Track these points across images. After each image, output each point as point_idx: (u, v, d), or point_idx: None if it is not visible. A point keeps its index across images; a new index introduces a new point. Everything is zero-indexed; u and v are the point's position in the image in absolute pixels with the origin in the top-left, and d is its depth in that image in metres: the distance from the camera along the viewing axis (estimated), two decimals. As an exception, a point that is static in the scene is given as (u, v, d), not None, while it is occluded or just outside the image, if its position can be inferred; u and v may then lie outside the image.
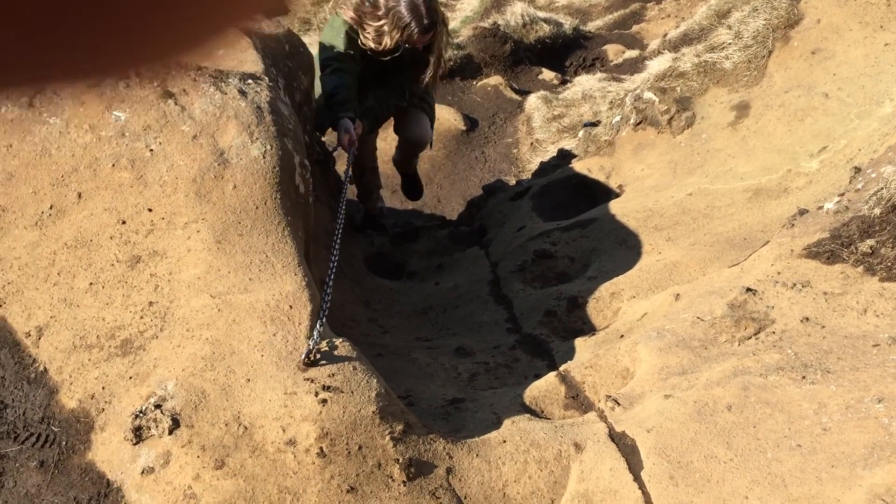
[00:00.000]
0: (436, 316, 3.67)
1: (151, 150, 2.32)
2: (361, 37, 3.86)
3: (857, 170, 2.95)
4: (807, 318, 2.22)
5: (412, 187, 5.30)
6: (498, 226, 4.54)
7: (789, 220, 2.91)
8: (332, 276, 2.31)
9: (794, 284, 2.41)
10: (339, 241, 2.51)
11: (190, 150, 2.34)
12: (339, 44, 3.87)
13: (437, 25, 3.85)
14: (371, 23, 3.82)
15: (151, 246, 2.20)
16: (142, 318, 2.09)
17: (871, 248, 2.45)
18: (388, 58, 3.93)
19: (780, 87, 3.89)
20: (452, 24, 11.39)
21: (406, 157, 5.02)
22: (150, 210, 2.24)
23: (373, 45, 3.87)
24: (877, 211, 2.54)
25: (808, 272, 2.47)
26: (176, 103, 2.41)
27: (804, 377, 1.93)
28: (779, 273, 2.51)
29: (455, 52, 8.69)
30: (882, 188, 2.64)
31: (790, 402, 1.86)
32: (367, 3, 3.85)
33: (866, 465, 1.63)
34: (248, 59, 2.90)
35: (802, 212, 2.96)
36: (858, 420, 1.73)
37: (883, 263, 2.37)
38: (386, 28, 3.81)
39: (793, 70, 3.90)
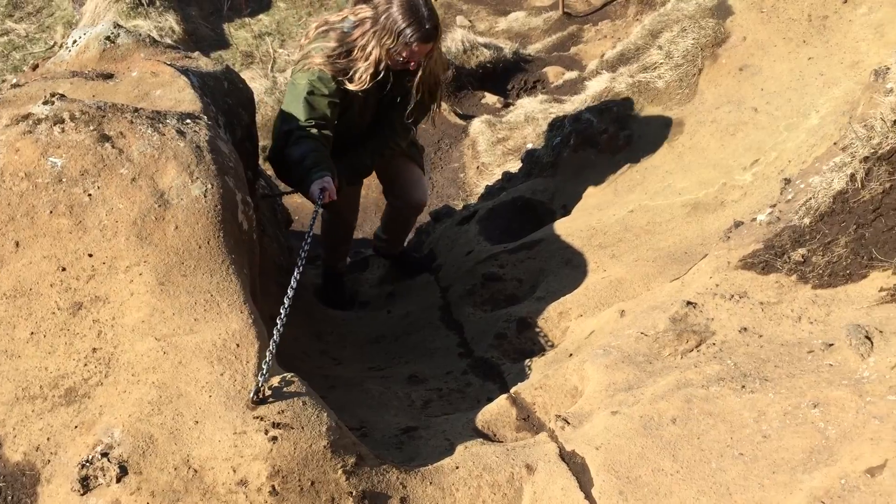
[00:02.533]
0: (388, 344, 3.68)
1: (90, 194, 2.30)
2: (337, 78, 3.26)
3: (788, 181, 3.05)
4: (745, 329, 2.28)
5: (410, 263, 4.49)
6: (447, 251, 4.57)
7: (725, 233, 2.99)
8: (286, 314, 2.29)
9: (732, 296, 2.48)
10: (296, 283, 2.47)
11: (129, 193, 2.33)
12: (301, 111, 3.27)
13: (439, 32, 3.23)
14: (352, 51, 3.24)
15: (93, 291, 2.18)
16: (86, 365, 2.06)
17: (802, 256, 2.53)
18: (369, 87, 3.30)
19: (712, 104, 4.01)
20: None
21: (401, 228, 4.24)
22: (90, 255, 2.22)
23: (359, 76, 3.24)
24: (806, 220, 2.63)
25: (744, 283, 2.55)
26: (113, 146, 2.40)
27: (744, 386, 1.99)
28: (717, 285, 2.58)
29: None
30: (811, 198, 2.74)
31: (731, 412, 1.91)
32: (342, 31, 3.27)
33: (805, 470, 1.68)
34: (185, 98, 2.90)
35: (738, 224, 3.05)
36: (796, 426, 1.79)
37: (815, 271, 2.45)
38: (373, 40, 3.19)
39: (722, 87, 4.03)
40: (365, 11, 3.22)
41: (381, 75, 3.29)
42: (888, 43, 3.61)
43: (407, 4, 3.14)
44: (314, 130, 3.24)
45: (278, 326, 2.15)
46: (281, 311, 2.27)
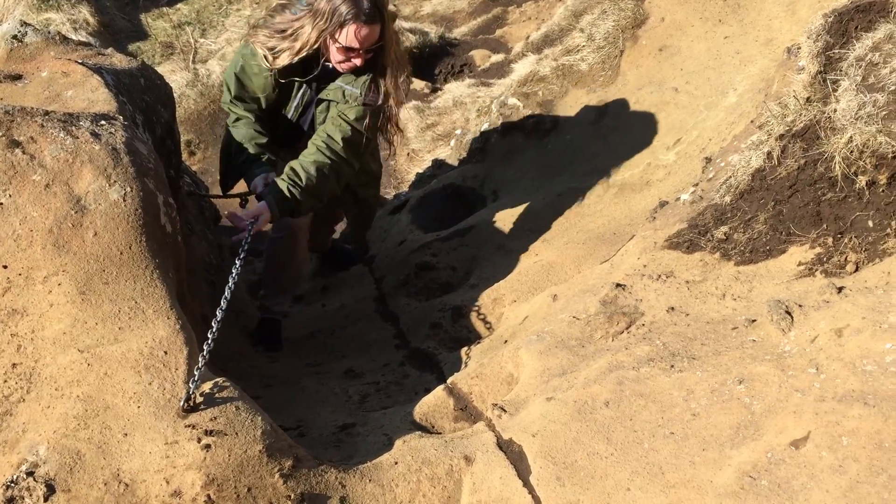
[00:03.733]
0: (324, 339, 3.65)
1: (1, 203, 2.21)
2: (271, 59, 3.02)
3: (709, 160, 3.12)
4: (672, 308, 2.33)
5: (340, 256, 4.34)
6: (380, 241, 4.55)
7: (651, 213, 3.05)
8: (217, 328, 2.22)
9: (660, 276, 2.53)
10: (229, 295, 2.39)
11: (43, 200, 2.24)
12: (232, 85, 3.15)
13: (384, 16, 2.87)
14: (284, 29, 2.99)
15: (10, 304, 2.10)
16: (5, 381, 1.99)
17: (725, 234, 2.60)
18: (309, 80, 3.08)
19: (634, 85, 4.07)
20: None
21: (324, 227, 4.00)
22: (4, 267, 2.14)
23: (281, 57, 2.99)
24: (727, 199, 2.70)
25: (670, 263, 2.60)
26: (24, 152, 2.31)
27: (672, 366, 2.03)
28: (645, 266, 2.63)
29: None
30: (731, 176, 2.80)
31: (661, 392, 1.95)
32: (290, 11, 3.02)
33: (733, 445, 1.73)
34: (99, 98, 2.80)
35: (663, 204, 3.11)
36: (723, 403, 1.84)
37: (736, 248, 2.52)
38: (308, 21, 2.90)
39: (644, 68, 4.09)
40: None
41: (303, 59, 3.01)
42: (800, 20, 3.71)
43: None
44: (242, 109, 3.15)
45: (209, 340, 2.09)
46: (213, 324, 2.21)
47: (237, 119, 3.16)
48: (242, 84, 3.12)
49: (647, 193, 3.50)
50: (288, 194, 2.88)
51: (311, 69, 3.09)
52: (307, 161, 2.96)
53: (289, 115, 3.24)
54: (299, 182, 2.91)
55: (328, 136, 3.02)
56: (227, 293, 2.28)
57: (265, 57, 3.03)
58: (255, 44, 3.05)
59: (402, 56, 3.10)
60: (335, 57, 2.98)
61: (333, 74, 3.09)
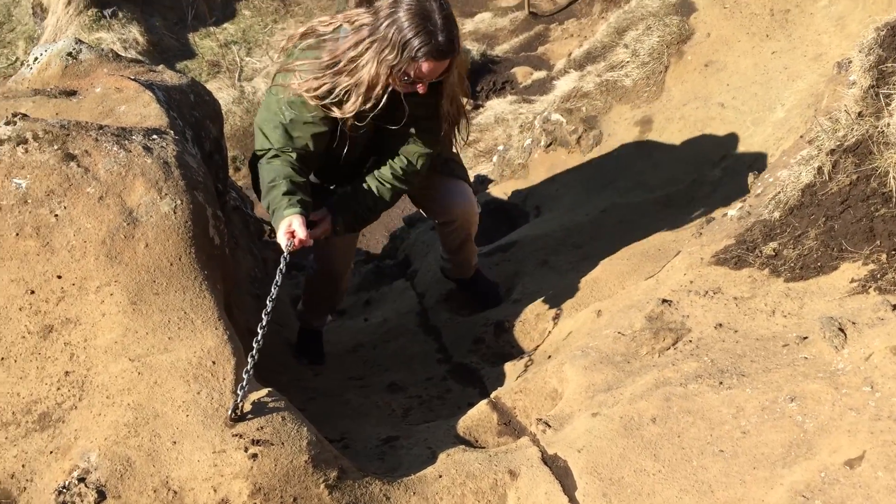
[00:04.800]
0: (366, 353, 3.67)
1: (56, 215, 2.27)
2: (335, 109, 2.61)
3: (756, 175, 3.08)
4: (720, 325, 2.30)
5: (484, 290, 3.64)
6: (422, 256, 4.57)
7: (697, 229, 3.02)
8: (263, 334, 2.22)
9: (707, 292, 2.50)
10: (270, 307, 2.36)
11: (97, 212, 2.29)
12: (277, 137, 2.67)
13: (456, 46, 2.51)
14: (342, 67, 2.55)
15: (63, 314, 2.14)
16: (59, 389, 2.03)
17: (774, 250, 2.56)
18: (367, 122, 2.63)
19: (679, 101, 4.04)
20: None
21: (459, 249, 3.43)
22: (59, 277, 2.19)
23: (351, 102, 2.57)
24: (776, 214, 2.66)
25: (718, 279, 2.57)
26: (79, 165, 2.36)
27: (721, 383, 2.00)
28: (691, 282, 2.60)
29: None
30: (779, 192, 2.76)
31: (710, 409, 1.92)
32: (333, 43, 2.59)
33: (785, 464, 1.70)
34: (151, 113, 2.86)
35: (709, 220, 3.08)
36: (774, 420, 1.80)
37: (786, 264, 2.47)
38: (369, 53, 2.50)
39: (689, 83, 4.07)
40: (363, 17, 2.54)
41: (379, 101, 2.58)
42: (849, 35, 3.66)
43: (417, 9, 2.43)
44: (291, 155, 2.68)
45: (254, 351, 2.11)
46: (259, 330, 2.22)
47: (274, 156, 2.69)
48: (290, 136, 2.67)
49: (694, 209, 3.47)
50: (356, 220, 2.89)
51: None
52: (384, 187, 2.85)
53: (356, 153, 2.85)
54: (371, 207, 2.86)
55: (409, 162, 2.85)
56: (268, 306, 2.28)
57: (325, 107, 2.60)
58: (304, 91, 2.59)
59: (462, 77, 2.83)
60: (397, 83, 2.57)
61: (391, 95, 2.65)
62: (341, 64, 2.55)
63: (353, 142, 2.76)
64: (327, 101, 2.58)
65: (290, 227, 2.52)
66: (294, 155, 2.67)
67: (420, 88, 2.58)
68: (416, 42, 2.44)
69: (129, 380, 2.02)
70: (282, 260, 2.45)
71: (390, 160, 2.86)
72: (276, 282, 2.36)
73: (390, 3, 2.47)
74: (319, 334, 3.57)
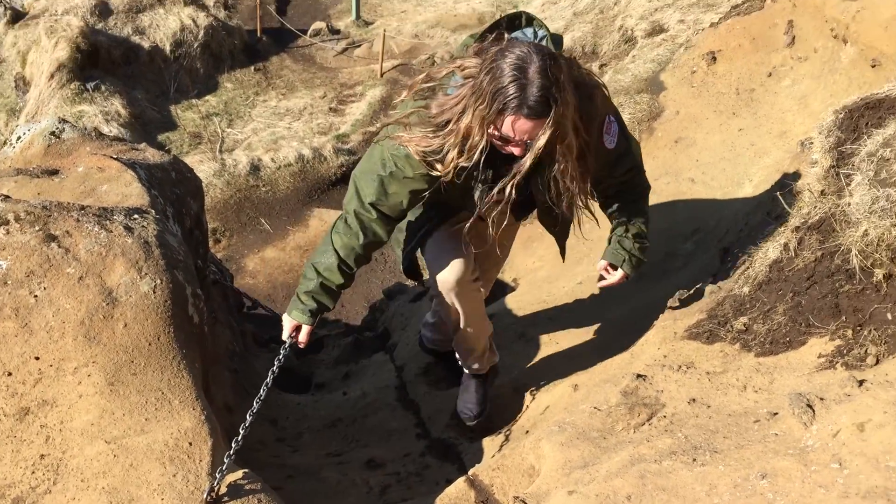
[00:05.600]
0: (345, 428, 3.65)
1: (36, 296, 2.28)
2: (437, 165, 2.40)
3: (726, 250, 3.16)
4: (693, 399, 2.33)
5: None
6: (401, 329, 4.59)
7: (671, 303, 3.07)
8: (248, 426, 2.26)
9: (680, 366, 2.54)
10: (262, 398, 2.40)
11: (76, 293, 2.31)
12: (371, 189, 2.51)
13: (554, 111, 2.19)
14: (448, 122, 2.33)
15: (40, 396, 2.14)
16: (33, 472, 2.02)
17: (744, 325, 2.61)
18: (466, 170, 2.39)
19: (651, 175, 4.12)
20: (342, 128, 11.65)
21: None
22: (37, 358, 2.19)
23: (448, 159, 2.36)
24: (746, 289, 2.72)
25: (691, 353, 2.61)
26: (59, 246, 2.39)
27: (695, 459, 2.03)
28: (665, 356, 2.64)
29: (346, 157, 8.88)
30: (749, 267, 2.84)
31: (684, 486, 1.94)
32: (444, 93, 2.37)
33: (758, 542, 1.71)
34: (132, 192, 2.91)
35: (682, 293, 3.14)
36: (746, 498, 1.82)
37: (756, 339, 2.53)
38: (468, 103, 2.27)
39: (660, 159, 4.18)
40: (472, 66, 2.29)
41: (476, 156, 2.33)
42: (812, 113, 3.81)
43: (515, 60, 2.17)
44: (373, 222, 2.54)
45: (238, 439, 2.13)
46: (247, 417, 2.25)
47: (354, 228, 2.54)
48: (386, 191, 2.50)
49: (667, 283, 3.53)
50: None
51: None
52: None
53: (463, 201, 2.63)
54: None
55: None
56: (255, 406, 2.35)
57: (428, 163, 2.41)
58: (408, 145, 2.41)
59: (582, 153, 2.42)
60: (492, 139, 2.32)
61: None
62: (447, 118, 2.34)
63: (450, 199, 2.60)
64: (430, 157, 2.41)
65: (294, 327, 2.58)
66: (375, 216, 2.53)
67: (515, 150, 2.30)
68: (504, 94, 2.19)
69: (105, 463, 2.01)
70: (282, 347, 2.56)
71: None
72: (267, 383, 2.45)
73: (496, 52, 2.23)
74: (486, 377, 3.27)
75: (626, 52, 10.51)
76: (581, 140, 2.38)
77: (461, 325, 3.00)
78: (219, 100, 13.56)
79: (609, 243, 2.80)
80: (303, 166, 8.75)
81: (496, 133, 2.28)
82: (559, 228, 2.88)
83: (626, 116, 4.45)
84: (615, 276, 2.81)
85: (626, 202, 2.77)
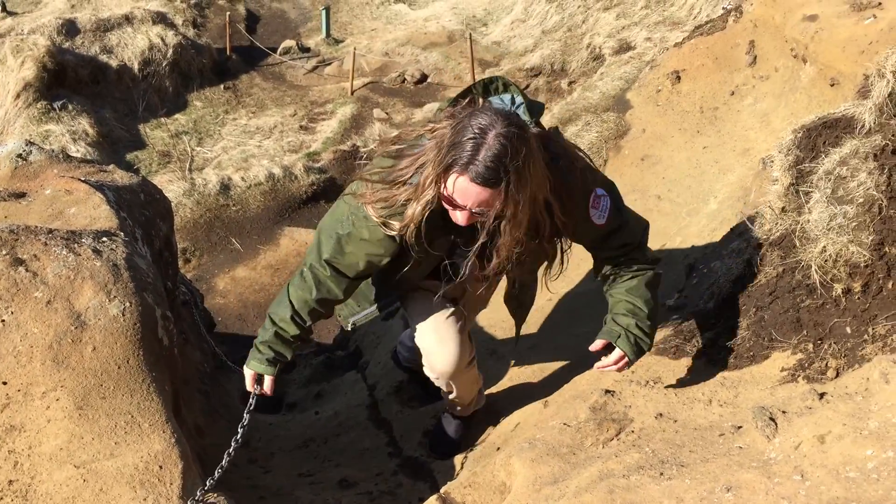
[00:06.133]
0: (317, 447, 3.65)
1: (3, 320, 2.27)
2: (392, 224, 2.30)
3: (692, 266, 3.21)
4: (661, 414, 2.37)
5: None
6: (373, 347, 4.59)
7: (638, 319, 3.11)
8: (230, 459, 2.28)
9: (647, 382, 2.58)
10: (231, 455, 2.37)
11: (44, 316, 2.30)
12: (329, 246, 2.43)
13: (504, 178, 2.06)
14: (403, 179, 2.25)
15: (8, 421, 2.13)
16: (1, 499, 2.00)
17: (710, 340, 2.66)
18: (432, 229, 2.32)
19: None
20: (312, 147, 11.65)
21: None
22: (4, 383, 2.18)
23: (407, 216, 2.25)
24: (711, 305, 2.78)
25: (658, 368, 2.66)
26: (27, 270, 2.38)
27: (662, 473, 2.06)
28: (633, 371, 2.68)
29: (317, 175, 8.90)
30: (713, 283, 2.89)
31: (651, 500, 1.97)
32: (393, 151, 2.33)
33: (723, 554, 1.75)
34: (101, 215, 2.90)
35: (649, 309, 3.18)
36: (712, 511, 1.86)
37: (721, 354, 2.58)
38: (431, 162, 2.15)
39: (627, 176, 4.25)
40: (441, 128, 2.19)
41: (423, 214, 2.24)
42: (774, 131, 3.89)
43: (477, 122, 2.06)
44: (328, 279, 2.47)
45: (216, 475, 2.15)
46: (227, 454, 2.26)
47: (308, 282, 2.49)
48: (342, 250, 2.42)
49: (635, 298, 3.58)
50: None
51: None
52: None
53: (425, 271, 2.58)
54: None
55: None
56: (232, 446, 2.37)
57: (385, 223, 2.30)
58: (368, 205, 2.31)
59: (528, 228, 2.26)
60: (442, 197, 2.21)
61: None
62: (408, 174, 2.24)
63: (421, 262, 2.48)
64: (388, 213, 2.29)
65: (255, 377, 2.53)
66: (329, 273, 2.46)
67: (459, 216, 2.18)
68: (457, 149, 2.06)
69: (74, 487, 2.00)
70: (250, 399, 2.53)
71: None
72: (244, 422, 2.47)
73: (468, 114, 2.11)
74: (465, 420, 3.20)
75: (594, 69, 10.68)
76: (556, 217, 2.27)
77: (451, 391, 2.91)
78: (188, 118, 13.53)
79: (605, 322, 2.57)
80: (273, 185, 8.75)
81: (445, 191, 2.16)
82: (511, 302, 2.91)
83: (593, 135, 4.52)
84: (612, 358, 2.48)
85: (623, 279, 2.56)
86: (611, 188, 2.45)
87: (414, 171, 2.22)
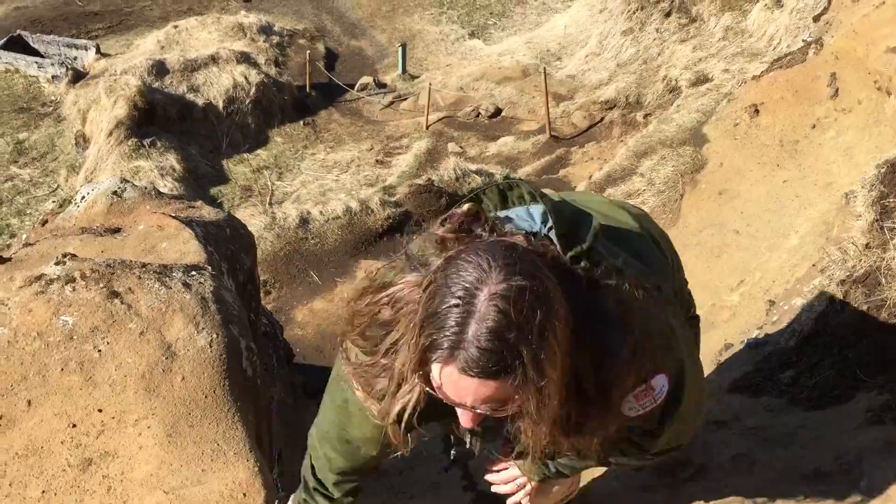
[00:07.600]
0: (391, 480, 3.68)
1: (100, 350, 2.39)
2: (380, 413, 1.55)
3: (772, 303, 3.16)
4: (737, 455, 2.33)
5: None
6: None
7: (717, 356, 3.08)
8: None
9: (725, 421, 2.54)
10: None
11: (137, 347, 2.42)
12: (330, 446, 1.93)
13: (511, 365, 1.24)
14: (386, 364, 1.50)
15: (102, 447, 2.24)
16: (95, 522, 2.10)
17: (791, 378, 2.61)
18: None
19: (695, 227, 4.17)
20: (388, 180, 11.84)
21: None
22: (100, 411, 2.29)
23: (386, 413, 1.51)
24: (792, 343, 2.73)
25: (736, 407, 2.61)
26: (122, 302, 2.51)
27: (741, 516, 2.03)
28: (710, 411, 2.64)
29: (393, 209, 9.05)
30: (795, 320, 2.84)
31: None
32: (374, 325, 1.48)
33: None
34: (190, 249, 3.03)
35: (728, 346, 3.14)
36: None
37: (803, 393, 2.52)
38: (406, 337, 1.38)
39: (704, 210, 4.21)
40: (415, 281, 1.41)
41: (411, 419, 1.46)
42: (857, 164, 3.81)
43: (467, 275, 1.29)
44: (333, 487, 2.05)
45: None
46: None
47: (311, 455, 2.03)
48: (349, 445, 1.90)
49: (713, 334, 3.52)
50: None
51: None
52: None
53: None
54: None
55: None
56: None
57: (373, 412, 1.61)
58: (355, 388, 1.66)
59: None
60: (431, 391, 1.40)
61: None
62: (378, 354, 1.51)
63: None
64: (374, 405, 1.59)
65: None
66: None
67: (464, 419, 1.39)
68: (431, 326, 1.30)
69: (163, 512, 2.09)
70: None
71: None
72: None
73: (449, 259, 1.34)
74: None
75: (670, 101, 10.59)
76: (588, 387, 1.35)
77: None
78: (269, 154, 13.95)
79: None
80: (350, 218, 8.92)
81: (433, 381, 1.35)
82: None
83: (669, 169, 4.50)
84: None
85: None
86: (680, 368, 1.47)
87: (386, 350, 1.49)
